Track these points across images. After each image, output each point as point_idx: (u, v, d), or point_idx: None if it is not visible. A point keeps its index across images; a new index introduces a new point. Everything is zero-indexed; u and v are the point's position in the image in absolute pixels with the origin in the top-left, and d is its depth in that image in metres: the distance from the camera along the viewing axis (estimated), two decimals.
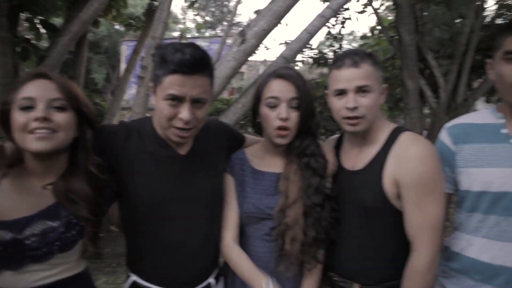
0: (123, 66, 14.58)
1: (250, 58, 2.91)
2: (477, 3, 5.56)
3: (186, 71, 1.14)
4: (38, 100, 1.06)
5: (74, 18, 3.58)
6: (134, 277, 1.32)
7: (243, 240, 1.40)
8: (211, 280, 1.36)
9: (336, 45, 6.31)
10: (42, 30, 3.82)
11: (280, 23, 2.78)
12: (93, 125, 1.19)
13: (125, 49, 15.23)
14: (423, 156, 1.22)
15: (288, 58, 2.98)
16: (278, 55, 3.01)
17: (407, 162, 1.21)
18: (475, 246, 1.26)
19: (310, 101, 1.34)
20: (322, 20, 2.90)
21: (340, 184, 1.39)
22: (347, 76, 1.28)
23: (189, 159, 1.32)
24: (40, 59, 3.42)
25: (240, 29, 2.76)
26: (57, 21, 4.28)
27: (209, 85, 1.23)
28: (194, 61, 1.14)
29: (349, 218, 1.35)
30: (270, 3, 2.63)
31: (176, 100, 1.16)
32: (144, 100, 2.76)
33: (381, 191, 1.27)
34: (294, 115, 1.31)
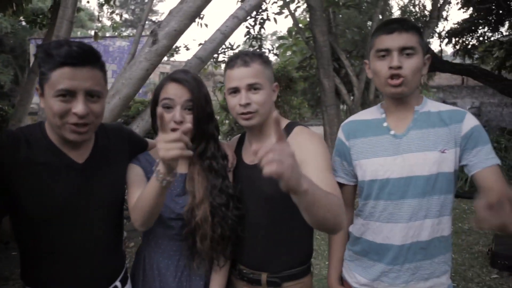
0: (32, 65, 13.46)
1: (176, 59, 2.84)
2: (381, 7, 6.04)
3: (75, 63, 1.08)
4: None
5: None
6: None
7: (154, 240, 1.41)
8: (117, 283, 1.34)
9: (256, 45, 6.44)
10: None
11: (194, 22, 2.75)
12: None
13: (33, 48, 14.06)
14: (313, 139, 1.33)
15: (203, 58, 2.96)
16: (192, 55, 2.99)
17: (300, 146, 1.28)
18: (371, 229, 1.39)
19: (206, 104, 1.38)
20: (235, 21, 2.93)
21: (241, 178, 1.45)
22: (239, 75, 1.36)
23: (88, 167, 1.25)
24: None
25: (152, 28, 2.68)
26: None
27: (102, 79, 1.17)
28: (83, 52, 1.09)
29: (252, 211, 1.42)
30: (180, 3, 2.59)
31: (68, 95, 1.09)
32: None
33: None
34: (188, 118, 1.33)
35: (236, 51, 6.47)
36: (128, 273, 1.45)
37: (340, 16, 7.18)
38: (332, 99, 5.83)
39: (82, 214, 1.23)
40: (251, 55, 1.38)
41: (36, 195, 1.16)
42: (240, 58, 1.37)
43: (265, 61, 1.41)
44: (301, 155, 1.23)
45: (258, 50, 6.73)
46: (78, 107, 1.09)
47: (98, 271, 1.28)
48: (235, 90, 1.37)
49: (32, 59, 13.32)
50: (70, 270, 1.23)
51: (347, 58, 6.54)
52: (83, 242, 1.24)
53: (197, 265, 1.38)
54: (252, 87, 1.35)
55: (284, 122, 1.44)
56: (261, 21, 6.38)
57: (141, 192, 1.22)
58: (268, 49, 8.10)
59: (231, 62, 1.39)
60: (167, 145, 1.02)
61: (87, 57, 1.11)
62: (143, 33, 3.55)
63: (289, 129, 1.40)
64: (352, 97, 6.82)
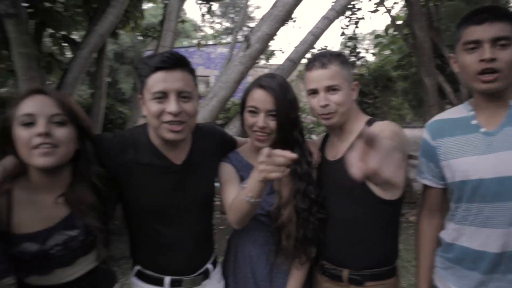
0: None
1: (270, 62, 2.99)
2: None
3: (166, 67, 1.22)
4: (38, 116, 1.11)
5: (92, 32, 3.80)
6: (138, 267, 1.45)
7: (245, 231, 1.49)
8: (208, 265, 1.49)
9: (351, 44, 6.32)
10: (64, 44, 4.06)
11: (285, 26, 2.87)
12: (91, 136, 1.25)
13: None
14: (393, 130, 1.27)
15: (295, 60, 3.06)
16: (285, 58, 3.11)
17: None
18: (466, 234, 1.30)
19: (290, 111, 1.40)
20: (325, 22, 2.97)
21: (323, 174, 1.49)
22: (317, 77, 1.39)
23: (184, 168, 1.39)
24: (63, 71, 3.64)
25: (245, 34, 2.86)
26: (79, 34, 4.54)
27: (192, 81, 1.30)
28: (173, 57, 1.24)
29: (334, 206, 1.44)
30: (271, 8, 2.73)
31: (162, 97, 1.23)
32: None
33: None
34: (272, 124, 1.39)
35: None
36: (217, 257, 1.58)
37: (444, 9, 6.65)
38: (434, 98, 5.44)
39: (179, 208, 1.39)
40: (328, 56, 1.40)
41: (140, 191, 1.35)
42: (317, 60, 1.40)
43: (343, 61, 1.41)
44: None
45: (353, 50, 6.60)
46: (171, 105, 1.22)
47: (193, 255, 1.44)
48: (314, 92, 1.41)
49: None
50: (169, 254, 1.41)
51: (451, 53, 6.03)
52: (180, 232, 1.41)
53: (282, 261, 1.44)
54: (330, 89, 1.37)
55: (364, 119, 1.45)
56: (356, 20, 6.25)
57: (234, 196, 1.30)
58: (364, 49, 7.88)
59: (309, 64, 1.43)
60: (271, 168, 1.08)
61: (177, 61, 1.25)
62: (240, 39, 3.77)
63: (369, 124, 1.40)
64: (457, 96, 6.27)
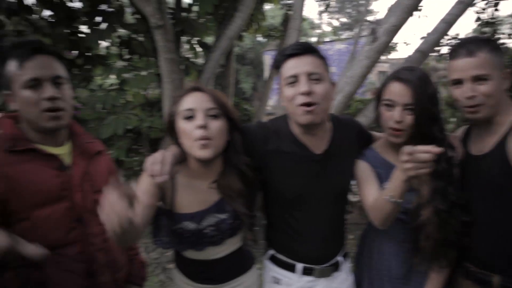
0: (267, 74, 15.60)
1: (392, 56, 2.89)
2: None
3: (297, 53, 1.31)
4: (197, 110, 1.26)
5: (222, 35, 4.13)
6: (272, 251, 1.55)
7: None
8: (339, 258, 1.52)
9: (489, 30, 5.62)
10: (198, 49, 4.50)
11: (411, 16, 2.71)
12: (239, 128, 1.38)
13: (268, 59, 16.25)
14: None
15: (424, 52, 2.87)
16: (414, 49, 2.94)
17: None
18: None
19: (430, 106, 1.34)
20: (460, 7, 2.72)
21: (467, 170, 1.38)
22: (462, 66, 1.29)
23: (324, 158, 1.43)
24: (198, 73, 4.05)
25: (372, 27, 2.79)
26: (210, 39, 4.97)
27: (322, 65, 1.34)
28: (301, 44, 1.33)
29: (482, 206, 1.33)
30: None
31: (294, 81, 1.30)
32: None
33: (509, 168, 1.22)
34: (409, 118, 1.34)
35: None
36: (347, 251, 1.60)
37: None
38: None
39: (316, 197, 1.44)
40: (477, 42, 1.30)
41: (281, 179, 1.44)
42: (464, 48, 1.30)
43: (494, 48, 1.29)
44: None
45: (491, 36, 5.86)
46: (301, 86, 1.28)
47: (325, 245, 1.49)
48: (459, 82, 1.32)
49: (266, 69, 15.47)
50: (302, 241, 1.48)
51: None
52: (315, 220, 1.46)
53: (419, 261, 1.39)
54: (477, 78, 1.28)
55: None
56: (496, 1, 5.53)
57: (376, 196, 1.31)
58: (506, 33, 6.92)
59: (454, 52, 1.34)
60: (415, 165, 1.08)
61: (305, 47, 1.33)
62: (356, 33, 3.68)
63: None
64: None
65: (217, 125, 1.27)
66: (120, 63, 4.29)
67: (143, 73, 3.81)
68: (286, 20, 5.19)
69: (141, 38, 4.19)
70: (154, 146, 5.17)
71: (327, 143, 1.44)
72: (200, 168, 1.34)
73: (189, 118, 1.26)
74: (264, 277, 1.59)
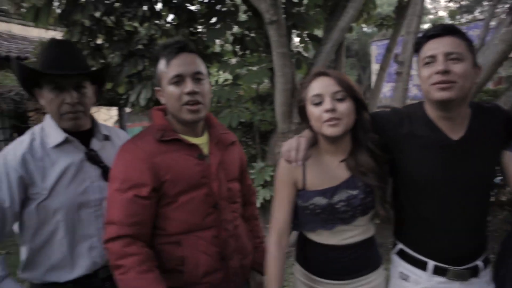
0: (373, 66, 14.95)
1: None
2: None
3: (437, 34, 1.27)
4: (325, 95, 1.30)
5: (333, 27, 4.07)
6: (400, 245, 1.48)
7: None
8: (478, 262, 1.38)
9: None
10: (308, 42, 4.51)
11: None
12: (366, 108, 1.39)
13: (375, 49, 15.53)
14: None
15: None
16: None
17: None
18: None
19: None
20: None
21: None
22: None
23: (462, 144, 1.34)
24: (309, 66, 4.07)
25: (507, 6, 2.48)
26: (319, 32, 4.94)
27: (463, 45, 1.27)
28: (444, 26, 1.28)
29: None
30: None
31: (432, 61, 1.27)
32: (403, 95, 2.88)
33: None
34: None
35: None
36: (490, 260, 1.44)
37: None
38: None
39: (452, 187, 1.34)
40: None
41: (413, 164, 1.38)
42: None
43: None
44: None
45: None
46: (438, 65, 1.24)
47: (461, 243, 1.36)
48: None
49: (373, 60, 14.83)
50: (435, 236, 1.38)
51: None
52: (450, 213, 1.35)
53: None
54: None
55: None
56: None
57: None
58: None
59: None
60: None
61: (446, 28, 1.28)
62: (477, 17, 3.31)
63: None
64: None
65: (344, 107, 1.31)
66: (234, 60, 4.52)
67: (256, 68, 3.97)
68: (400, 7, 4.90)
69: (253, 35, 4.36)
70: (264, 138, 5.35)
71: (465, 129, 1.35)
72: (330, 146, 1.39)
73: (318, 103, 1.32)
74: (390, 273, 1.53)
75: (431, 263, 1.38)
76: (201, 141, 1.44)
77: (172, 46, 1.36)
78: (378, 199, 1.37)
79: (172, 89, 1.34)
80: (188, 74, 1.34)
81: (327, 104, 1.30)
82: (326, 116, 1.29)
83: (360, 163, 1.36)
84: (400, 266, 1.47)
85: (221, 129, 1.53)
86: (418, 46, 1.34)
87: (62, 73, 1.41)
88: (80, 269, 1.48)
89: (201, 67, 1.39)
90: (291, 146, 1.34)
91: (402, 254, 1.47)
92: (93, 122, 1.60)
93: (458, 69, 1.24)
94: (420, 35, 1.36)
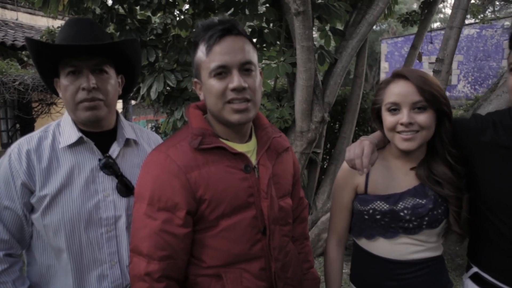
0: (383, 64, 14.71)
1: None
2: None
3: None
4: (402, 105, 1.18)
5: (360, 21, 3.83)
6: (475, 269, 1.29)
7: None
8: None
9: None
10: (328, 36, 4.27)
11: None
12: (450, 118, 1.23)
13: (385, 47, 15.28)
14: None
15: None
16: None
17: None
18: None
19: None
20: None
21: None
22: None
23: None
24: (334, 62, 3.83)
25: None
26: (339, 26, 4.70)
27: None
28: None
29: None
30: None
31: None
32: None
33: None
34: None
35: None
36: None
37: None
38: None
39: None
40: None
41: (496, 178, 1.20)
42: None
43: None
44: None
45: None
46: None
47: None
48: None
49: (383, 58, 14.59)
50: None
51: None
52: None
53: None
54: None
55: None
56: None
57: None
58: None
59: None
60: None
61: None
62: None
63: None
64: None
65: (423, 119, 1.17)
66: None
67: (274, 62, 3.74)
68: (426, 2, 4.66)
69: (271, 27, 4.13)
70: None
71: None
72: (402, 153, 1.28)
73: (394, 110, 1.21)
74: None
75: None
76: (248, 148, 1.19)
77: (215, 27, 1.09)
78: (453, 212, 1.21)
79: (213, 83, 1.09)
80: (234, 64, 1.08)
81: (404, 116, 1.16)
82: (401, 128, 1.18)
83: (434, 172, 1.21)
84: None
85: (273, 132, 1.27)
86: None
87: (74, 44, 1.15)
88: None
89: (251, 54, 1.12)
90: (356, 153, 1.20)
91: (477, 279, 1.29)
92: (118, 121, 1.34)
93: None
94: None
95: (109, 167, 1.24)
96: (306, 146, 3.85)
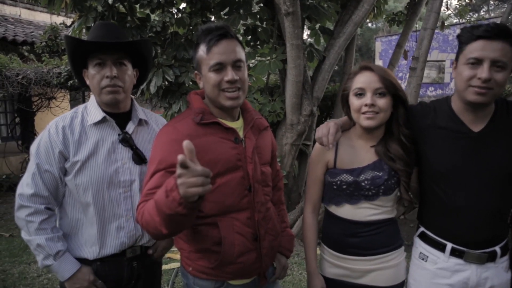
0: (377, 61, 14.94)
1: None
2: None
3: (488, 36, 1.29)
4: (367, 90, 1.43)
5: (347, 21, 4.08)
6: (422, 228, 1.58)
7: None
8: (496, 248, 1.45)
9: None
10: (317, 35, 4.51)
11: None
12: (405, 104, 1.49)
13: (379, 45, 15.52)
14: None
15: None
16: None
17: None
18: None
19: None
20: None
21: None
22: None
23: (482, 136, 1.41)
24: (322, 59, 4.08)
25: None
26: (328, 26, 4.94)
27: (510, 53, 1.31)
28: (497, 28, 1.29)
29: None
30: None
31: (476, 62, 1.31)
32: (416, 91, 2.90)
33: None
34: None
35: None
36: (509, 248, 1.51)
37: None
38: None
39: (469, 174, 1.42)
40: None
41: (434, 153, 1.47)
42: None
43: None
44: None
45: None
46: (483, 72, 1.29)
47: (480, 229, 1.43)
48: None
49: (377, 56, 14.83)
50: (453, 219, 1.46)
51: None
52: (467, 198, 1.43)
53: None
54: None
55: None
56: None
57: None
58: None
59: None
60: None
61: (500, 32, 1.29)
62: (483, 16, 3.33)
63: None
64: None
65: (383, 102, 1.42)
66: (245, 50, 4.52)
67: (267, 59, 3.97)
68: (412, 4, 4.91)
69: (264, 26, 4.35)
70: (271, 130, 5.37)
71: (486, 123, 1.42)
72: (364, 133, 1.52)
73: (359, 95, 1.45)
74: (412, 253, 1.62)
75: (449, 245, 1.47)
76: (237, 125, 1.47)
77: (214, 32, 1.37)
78: (403, 183, 1.48)
79: (212, 75, 1.36)
80: (229, 62, 1.36)
81: (368, 99, 1.42)
82: (365, 109, 1.42)
83: (390, 150, 1.47)
84: (421, 247, 1.57)
85: (255, 114, 1.56)
86: (464, 40, 1.36)
87: (102, 41, 1.48)
88: (108, 248, 1.54)
89: (241, 54, 1.41)
90: (323, 132, 1.48)
91: (423, 237, 1.56)
92: (132, 105, 1.65)
93: (499, 78, 1.31)
94: (470, 30, 1.35)
95: (126, 141, 1.55)
96: (296, 138, 4.10)
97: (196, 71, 1.45)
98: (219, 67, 1.35)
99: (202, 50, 1.38)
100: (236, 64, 1.38)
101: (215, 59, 1.35)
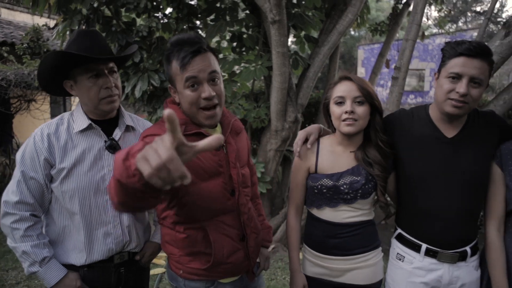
0: (359, 69, 15.21)
1: None
2: None
3: (469, 54, 1.38)
4: (347, 98, 1.51)
5: (331, 30, 4.16)
6: (399, 230, 1.67)
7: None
8: (467, 248, 1.54)
9: None
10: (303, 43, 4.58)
11: None
12: (381, 112, 1.57)
13: (362, 53, 15.82)
14: None
15: None
16: None
17: None
18: None
19: None
20: None
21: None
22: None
23: (455, 142, 1.51)
24: (307, 67, 4.14)
25: (503, 20, 2.61)
26: (314, 34, 5.02)
27: (487, 71, 1.41)
28: (478, 48, 1.38)
29: None
30: None
31: (456, 77, 1.40)
32: (398, 99, 2.98)
33: None
34: None
35: None
36: (479, 248, 1.60)
37: None
38: None
39: (445, 180, 1.51)
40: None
41: (412, 158, 1.56)
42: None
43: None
44: None
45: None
46: (461, 88, 1.39)
47: (452, 230, 1.52)
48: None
49: (360, 63, 15.09)
50: (427, 222, 1.55)
51: None
52: (439, 201, 1.52)
53: None
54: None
55: None
56: None
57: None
58: None
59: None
60: None
61: (481, 51, 1.38)
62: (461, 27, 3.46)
63: None
64: None
65: (361, 110, 1.50)
66: (231, 57, 4.55)
67: (252, 65, 4.01)
68: (394, 14, 5.05)
69: (250, 32, 4.40)
70: (254, 136, 5.41)
71: (459, 129, 1.52)
72: (344, 139, 1.60)
73: (340, 103, 1.53)
74: (389, 254, 1.70)
75: (424, 246, 1.56)
76: (217, 132, 1.48)
77: (186, 49, 1.30)
78: (380, 187, 1.56)
79: (189, 93, 1.32)
80: (204, 78, 1.31)
81: (348, 106, 1.49)
82: (345, 116, 1.49)
83: (368, 155, 1.55)
84: (398, 248, 1.65)
85: (231, 117, 1.54)
86: (447, 54, 1.46)
87: (105, 57, 1.48)
88: (95, 254, 1.54)
89: (215, 65, 1.36)
90: (296, 141, 1.64)
91: (400, 238, 1.65)
92: (119, 111, 1.65)
93: (475, 93, 1.40)
94: (455, 45, 1.43)
95: (113, 147, 1.55)
96: (281, 144, 4.14)
97: (170, 85, 1.42)
98: (195, 84, 1.31)
99: (175, 67, 1.33)
100: (211, 77, 1.33)
101: (190, 76, 1.30)
